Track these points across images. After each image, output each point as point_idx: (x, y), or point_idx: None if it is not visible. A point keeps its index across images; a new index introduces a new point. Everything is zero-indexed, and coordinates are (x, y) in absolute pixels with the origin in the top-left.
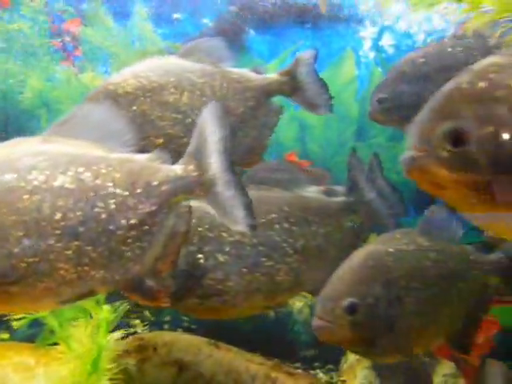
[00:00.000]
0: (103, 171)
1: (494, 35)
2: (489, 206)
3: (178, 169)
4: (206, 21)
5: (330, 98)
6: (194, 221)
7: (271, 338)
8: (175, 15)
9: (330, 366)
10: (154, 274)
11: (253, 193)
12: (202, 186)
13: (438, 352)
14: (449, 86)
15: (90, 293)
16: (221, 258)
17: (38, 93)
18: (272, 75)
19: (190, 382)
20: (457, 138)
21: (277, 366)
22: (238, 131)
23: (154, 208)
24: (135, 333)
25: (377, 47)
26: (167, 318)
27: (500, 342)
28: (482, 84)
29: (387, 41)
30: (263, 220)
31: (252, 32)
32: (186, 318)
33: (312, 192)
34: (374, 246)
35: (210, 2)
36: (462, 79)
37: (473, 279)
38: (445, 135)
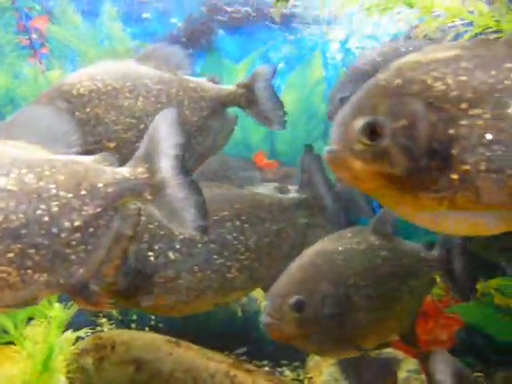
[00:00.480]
0: (47, 173)
1: (446, 38)
2: (403, 197)
3: (125, 171)
4: (175, 20)
5: (284, 114)
6: (144, 218)
7: (239, 337)
8: (144, 14)
9: (297, 364)
10: (98, 278)
11: (204, 189)
12: (151, 189)
13: (401, 348)
14: (368, 83)
15: (34, 298)
16: (171, 255)
17: (4, 90)
18: (229, 87)
19: (148, 380)
20: (372, 132)
21: (237, 363)
22: (192, 139)
23: (98, 210)
24: (102, 331)
25: (344, 49)
26: (134, 317)
27: (462, 339)
28: (397, 80)
29: (354, 43)
30: (215, 218)
31: (221, 32)
32: (153, 317)
33: (264, 189)
34: (324, 245)
35: (179, 2)
36: (380, 76)
37: (423, 276)
38: (360, 129)
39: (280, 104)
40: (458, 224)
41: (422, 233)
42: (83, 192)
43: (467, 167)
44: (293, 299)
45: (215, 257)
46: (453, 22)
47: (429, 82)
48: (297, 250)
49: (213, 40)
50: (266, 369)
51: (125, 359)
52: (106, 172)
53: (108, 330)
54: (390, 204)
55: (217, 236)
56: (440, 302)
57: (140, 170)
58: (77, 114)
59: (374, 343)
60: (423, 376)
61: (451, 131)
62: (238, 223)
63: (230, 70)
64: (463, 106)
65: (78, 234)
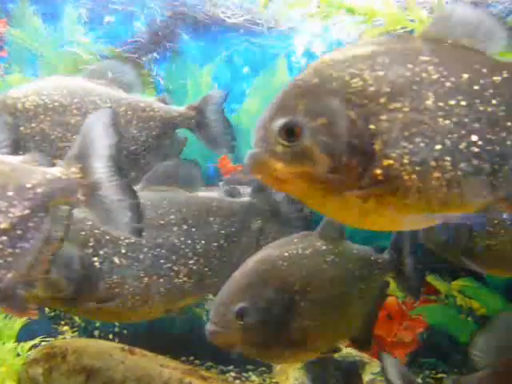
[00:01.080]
0: None
1: None
2: (328, 196)
3: (56, 171)
4: (138, 24)
5: (233, 139)
6: (89, 223)
7: (204, 343)
8: (107, 18)
9: (263, 368)
10: (26, 283)
11: (151, 194)
12: (84, 190)
13: (367, 351)
14: (288, 84)
15: None
16: (117, 260)
17: None
18: (179, 108)
19: None
20: (290, 133)
21: (191, 370)
22: (141, 159)
23: (27, 212)
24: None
25: (309, 54)
26: (97, 324)
27: (426, 340)
28: (315, 79)
29: (319, 48)
30: (161, 222)
31: (186, 36)
32: (117, 324)
33: (214, 192)
34: (269, 251)
35: (142, 6)
36: (299, 76)
37: (373, 279)
38: (278, 130)
39: (229, 129)
40: (386, 220)
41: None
42: (10, 193)
43: (390, 162)
44: (236, 307)
45: (162, 261)
46: (394, 29)
47: (346, 78)
48: (249, 255)
49: (177, 44)
50: (232, 374)
51: (75, 368)
52: (36, 172)
53: (61, 339)
54: (316, 204)
55: (164, 240)
56: (404, 304)
57: (73, 169)
58: (21, 128)
59: (324, 348)
60: None
61: (371, 126)
62: (185, 227)
63: (194, 73)
64: (382, 100)
65: (4, 237)
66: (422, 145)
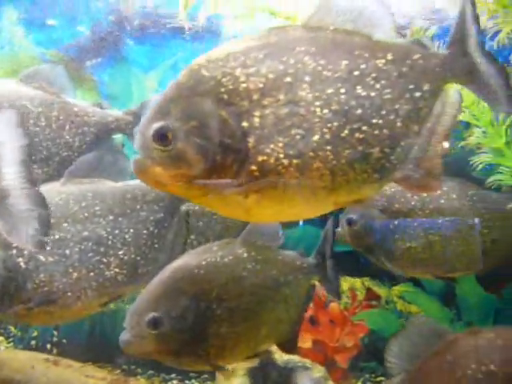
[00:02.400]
0: None
1: None
2: (210, 195)
3: None
4: (81, 28)
5: None
6: None
7: None
8: (49, 21)
9: (206, 376)
10: None
11: (73, 188)
12: None
13: (309, 356)
14: (167, 88)
15: None
16: (43, 258)
17: None
18: (115, 113)
19: None
20: (163, 138)
21: (120, 379)
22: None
23: None
24: None
25: None
26: (35, 334)
27: (367, 345)
28: (190, 81)
29: None
30: (86, 215)
31: (131, 42)
32: (55, 333)
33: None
34: (187, 259)
35: (85, 10)
36: (176, 79)
37: (299, 284)
38: (153, 136)
39: None
40: (272, 212)
41: None
42: None
43: (264, 157)
44: (149, 316)
45: (91, 255)
46: None
47: (218, 78)
48: (183, 239)
49: (121, 49)
50: (175, 382)
51: None
52: None
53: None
54: (202, 203)
55: (90, 233)
56: (346, 310)
57: None
58: None
59: (246, 353)
60: (330, 382)
61: (244, 124)
62: (111, 217)
63: (139, 79)
64: (255, 97)
65: None
66: (298, 137)
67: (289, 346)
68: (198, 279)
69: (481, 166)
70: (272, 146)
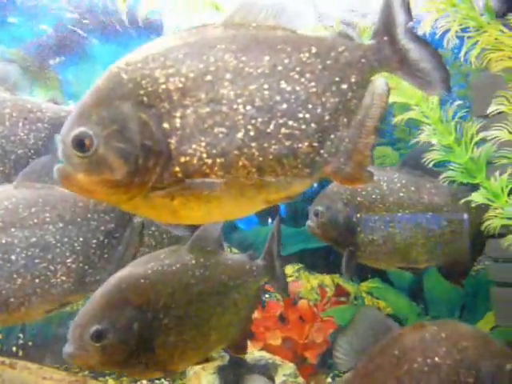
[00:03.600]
0: None
1: None
2: (136, 200)
3: None
4: (44, 27)
5: None
6: None
7: None
8: (10, 19)
9: (176, 374)
10: None
11: (25, 192)
12: None
13: (279, 354)
14: (88, 92)
15: None
16: None
17: None
18: (69, 107)
19: None
20: (82, 144)
21: (79, 381)
22: (30, 162)
23: None
24: None
25: None
26: None
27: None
28: (108, 85)
29: None
30: (35, 221)
31: (95, 40)
32: (21, 335)
33: None
34: (132, 269)
35: (48, 8)
36: (95, 84)
37: (248, 287)
38: (71, 143)
39: None
40: (201, 213)
41: None
42: None
43: (187, 158)
44: (92, 329)
45: (37, 261)
46: None
47: (137, 80)
48: (134, 250)
49: (85, 47)
50: (144, 382)
51: None
52: None
53: None
54: (128, 208)
55: (38, 239)
56: (316, 306)
57: None
58: None
59: (196, 359)
60: (300, 379)
61: (165, 125)
62: (61, 225)
63: None
64: (174, 97)
65: None
66: (221, 136)
67: (239, 348)
68: (143, 289)
69: (432, 162)
70: (194, 146)
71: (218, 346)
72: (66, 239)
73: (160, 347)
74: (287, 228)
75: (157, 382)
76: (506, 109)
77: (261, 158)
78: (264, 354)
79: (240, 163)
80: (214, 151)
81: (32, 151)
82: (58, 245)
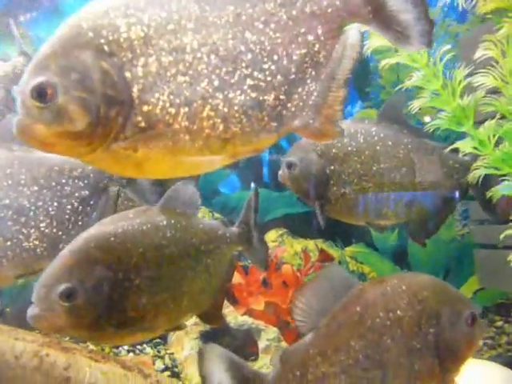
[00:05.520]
0: None
1: None
2: (97, 152)
3: None
4: None
5: None
6: None
7: None
8: None
9: (158, 340)
10: None
11: (1, 152)
12: None
13: (262, 318)
14: (44, 43)
15: None
16: None
17: None
18: (11, 60)
19: None
20: (43, 94)
21: (52, 342)
22: None
23: None
24: None
25: None
26: None
27: None
28: (68, 34)
29: None
30: (9, 182)
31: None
32: None
33: None
34: (101, 227)
35: None
36: (54, 34)
37: (221, 254)
38: (31, 92)
39: None
40: (165, 166)
41: None
42: None
43: (150, 107)
44: (60, 287)
45: (10, 223)
46: None
47: (98, 29)
48: (105, 216)
49: (57, 3)
50: (125, 347)
51: None
52: None
53: None
54: (89, 161)
55: (11, 201)
56: (299, 271)
57: None
58: None
59: (168, 325)
60: (283, 343)
61: (127, 74)
62: (35, 188)
63: None
64: (136, 45)
65: None
66: (184, 85)
67: (212, 318)
68: (113, 247)
69: (417, 110)
70: (157, 95)
71: (189, 313)
72: (40, 203)
73: (131, 309)
74: (271, 192)
75: (139, 347)
76: (493, 53)
77: (226, 109)
78: (247, 319)
79: (204, 114)
80: (178, 100)
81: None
82: (32, 208)
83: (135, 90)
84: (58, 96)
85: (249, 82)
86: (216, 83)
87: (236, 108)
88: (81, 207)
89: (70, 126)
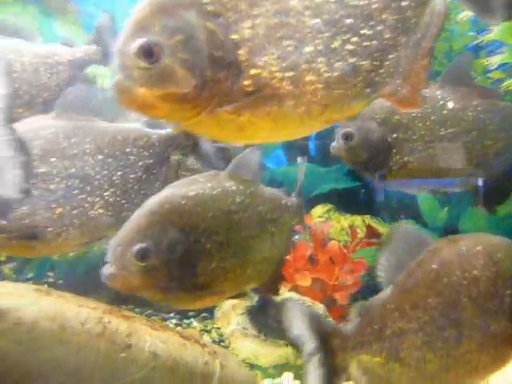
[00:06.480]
0: None
1: None
2: (201, 116)
3: None
4: None
5: None
6: None
7: None
8: None
9: (205, 314)
10: None
11: (64, 123)
12: None
13: (308, 294)
14: (141, 3)
15: None
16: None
17: None
18: (81, 47)
19: (8, 330)
20: (148, 54)
21: (113, 309)
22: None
23: None
24: None
25: None
26: (30, 275)
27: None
28: None
29: None
30: (75, 151)
31: None
32: (51, 274)
33: (134, 124)
34: (173, 190)
35: None
36: None
37: (283, 223)
38: (136, 53)
39: None
40: (265, 131)
41: None
42: None
43: (258, 71)
44: (136, 247)
45: (76, 192)
46: None
47: None
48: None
49: None
50: (174, 321)
51: None
52: None
53: None
54: (190, 126)
55: (77, 170)
56: (346, 248)
57: None
58: None
59: (232, 292)
60: (330, 320)
61: (234, 36)
62: (100, 157)
63: (127, 8)
64: (242, 7)
65: None
66: (290, 49)
67: (271, 288)
68: (186, 210)
69: (495, 65)
70: (264, 58)
71: (252, 281)
72: (104, 172)
73: (201, 273)
74: (317, 167)
75: (186, 321)
76: None
77: (327, 74)
78: (293, 295)
79: (308, 78)
80: (284, 64)
81: (56, 95)
82: (97, 177)
83: (243, 52)
84: (163, 56)
85: (347, 47)
86: (319, 47)
87: (336, 73)
88: (144, 176)
89: (175, 88)
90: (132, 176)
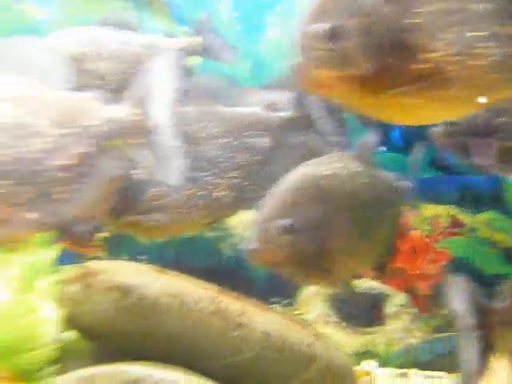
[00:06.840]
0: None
1: None
2: (368, 97)
3: (116, 111)
4: None
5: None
6: None
7: (227, 274)
8: None
9: (287, 301)
10: (86, 219)
11: (192, 108)
12: (143, 133)
13: (389, 283)
14: None
15: (21, 235)
16: None
17: None
18: (188, 39)
19: (134, 304)
20: (333, 36)
21: (224, 291)
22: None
23: (88, 149)
24: None
25: None
26: (125, 258)
27: (450, 273)
28: None
29: None
30: (203, 135)
31: None
32: (143, 257)
33: (253, 107)
34: (308, 169)
35: None
36: None
37: (397, 206)
38: (321, 34)
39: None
40: (426, 113)
41: None
42: (72, 130)
43: (432, 55)
44: (281, 222)
45: (203, 174)
46: None
47: None
48: (287, 171)
49: None
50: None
51: (110, 286)
52: (95, 110)
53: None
54: (355, 106)
55: (205, 153)
56: (428, 237)
57: (133, 111)
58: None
59: (355, 271)
60: (412, 310)
61: (410, 20)
62: (226, 140)
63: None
64: None
65: (65, 174)
66: (462, 34)
67: (380, 269)
68: (323, 189)
69: None
70: (439, 42)
71: (369, 262)
72: (230, 154)
73: (335, 252)
74: (401, 157)
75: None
76: None
77: (493, 58)
78: (375, 284)
79: (478, 63)
80: (457, 48)
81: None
82: (222, 159)
83: (417, 36)
84: (345, 39)
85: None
86: (486, 33)
87: (501, 58)
88: (264, 158)
89: (356, 70)
90: (255, 158)
